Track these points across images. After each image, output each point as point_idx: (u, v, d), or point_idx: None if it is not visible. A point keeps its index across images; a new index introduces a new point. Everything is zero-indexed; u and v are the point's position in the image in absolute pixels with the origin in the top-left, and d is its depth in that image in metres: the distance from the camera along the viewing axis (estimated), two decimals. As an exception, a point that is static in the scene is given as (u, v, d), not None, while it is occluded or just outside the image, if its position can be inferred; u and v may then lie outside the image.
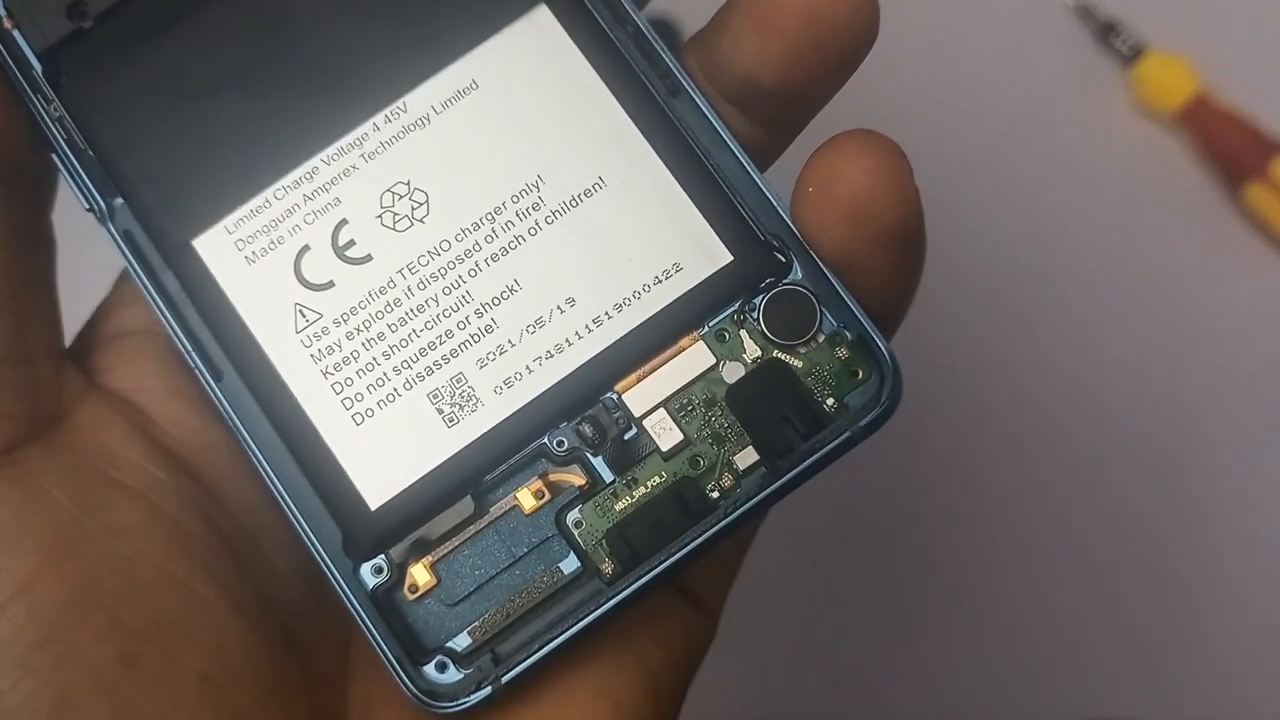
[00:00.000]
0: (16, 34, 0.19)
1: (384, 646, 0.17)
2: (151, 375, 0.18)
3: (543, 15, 0.19)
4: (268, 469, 0.18)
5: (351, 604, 0.17)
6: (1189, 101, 0.37)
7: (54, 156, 0.18)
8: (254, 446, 0.18)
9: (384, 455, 0.18)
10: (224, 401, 0.18)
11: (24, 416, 0.17)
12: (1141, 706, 0.32)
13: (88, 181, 0.18)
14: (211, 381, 0.18)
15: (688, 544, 0.17)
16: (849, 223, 0.17)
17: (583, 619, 0.17)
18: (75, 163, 0.18)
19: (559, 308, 0.18)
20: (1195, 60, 0.37)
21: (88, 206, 0.18)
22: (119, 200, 0.18)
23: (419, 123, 0.18)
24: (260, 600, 0.18)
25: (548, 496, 0.18)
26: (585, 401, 0.18)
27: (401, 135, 0.18)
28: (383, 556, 0.18)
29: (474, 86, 0.18)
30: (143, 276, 0.18)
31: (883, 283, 0.18)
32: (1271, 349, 0.35)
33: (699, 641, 0.20)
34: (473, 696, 0.17)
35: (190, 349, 0.18)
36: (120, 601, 0.16)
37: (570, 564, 0.18)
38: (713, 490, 0.18)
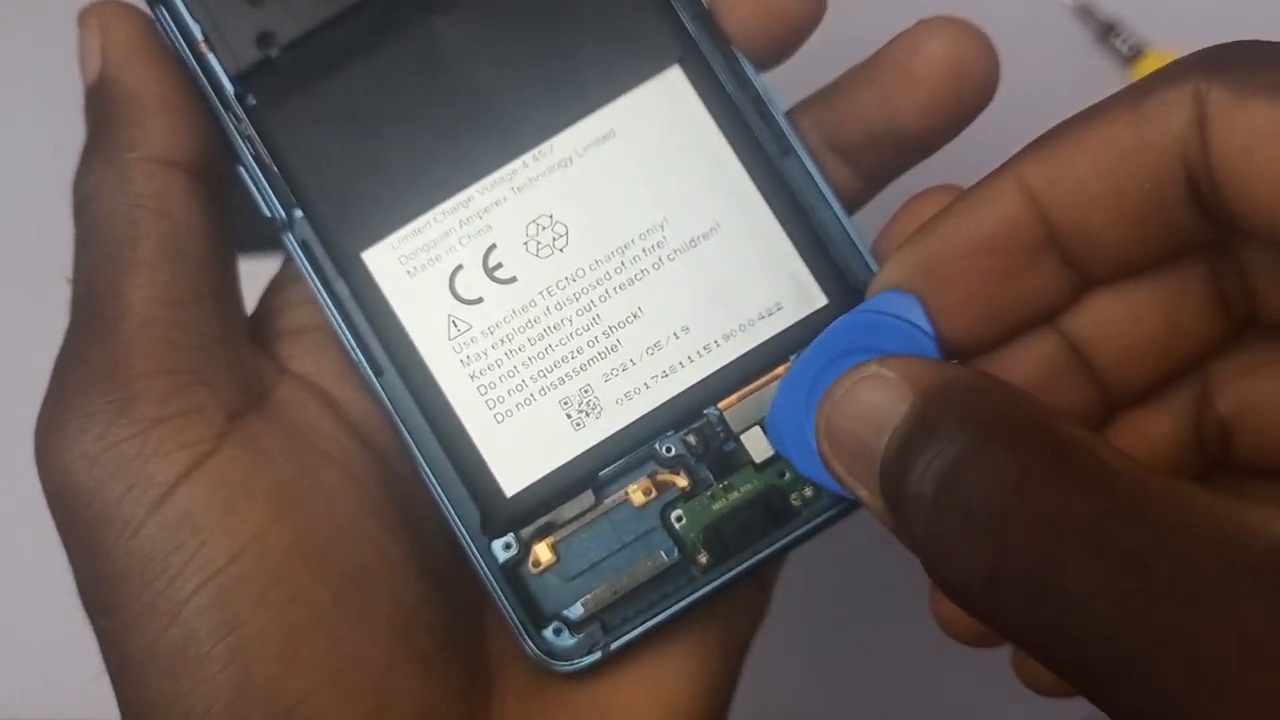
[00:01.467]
0: (212, 57, 0.21)
1: (511, 611, 0.21)
2: (327, 364, 0.21)
3: (676, 75, 0.21)
4: (418, 455, 0.21)
5: (485, 574, 0.21)
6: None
7: (240, 169, 0.21)
8: (408, 435, 0.21)
9: (519, 450, 0.21)
10: (384, 395, 0.21)
11: (239, 390, 0.20)
12: None
13: (270, 193, 0.21)
14: (373, 377, 0.21)
15: (772, 544, 0.21)
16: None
17: (680, 601, 0.21)
18: (261, 176, 0.21)
19: (675, 334, 0.21)
20: None
21: (268, 215, 0.21)
22: (298, 212, 0.21)
23: (563, 163, 0.21)
24: (426, 559, 0.21)
25: (655, 494, 0.21)
26: (692, 415, 0.21)
27: (547, 173, 0.21)
28: (512, 535, 0.21)
29: (612, 134, 0.21)
30: (316, 282, 0.21)
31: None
32: None
33: (760, 609, 0.23)
34: (585, 659, 0.21)
35: (355, 347, 0.21)
36: (330, 552, 0.19)
37: (671, 553, 0.21)
38: (796, 500, 0.21)
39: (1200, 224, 0.16)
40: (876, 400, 0.16)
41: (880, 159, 0.21)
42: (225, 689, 0.17)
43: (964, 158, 0.34)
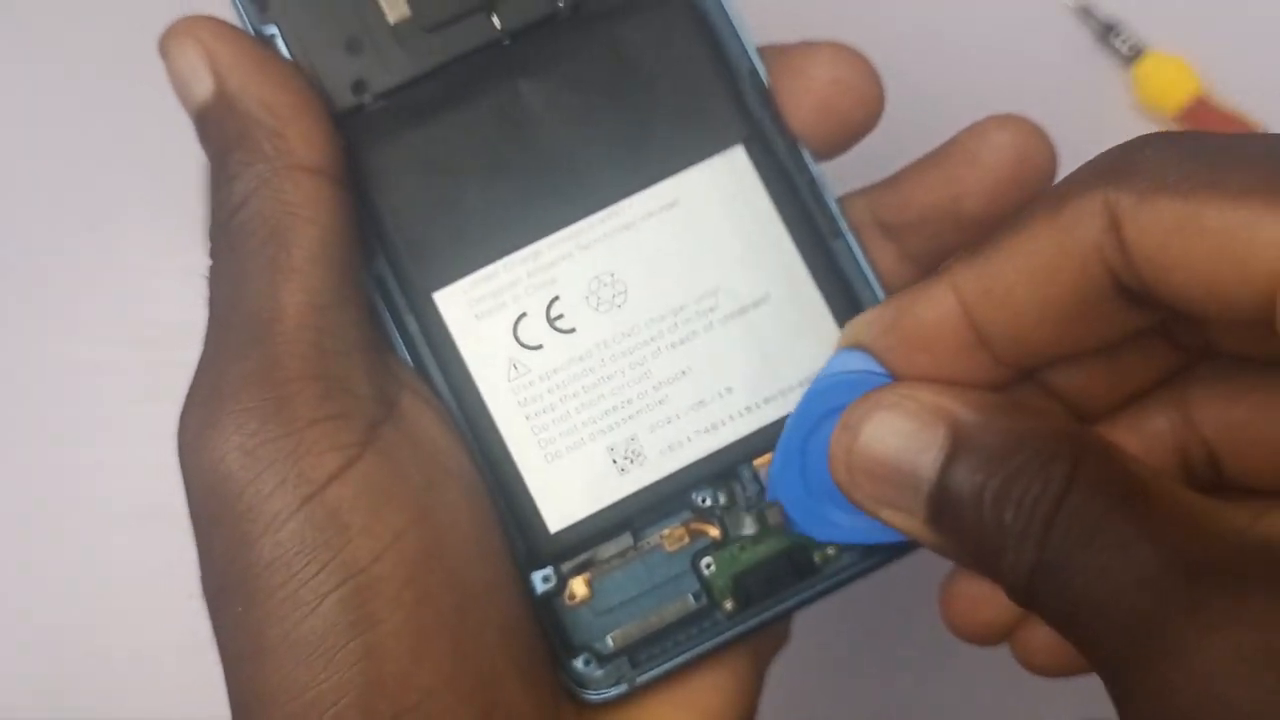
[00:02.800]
0: None
1: (544, 639, 0.22)
2: None
3: (738, 154, 0.23)
4: None
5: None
6: (1189, 102, 0.37)
7: None
8: None
9: (566, 490, 0.22)
10: None
11: (377, 399, 0.20)
12: None
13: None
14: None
15: (794, 597, 0.22)
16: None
17: (704, 643, 0.22)
18: None
19: (719, 393, 0.23)
20: (1195, 61, 0.38)
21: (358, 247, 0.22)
22: (378, 250, 0.23)
23: (628, 226, 0.23)
24: (519, 579, 0.22)
25: (688, 541, 0.23)
26: (729, 471, 0.22)
27: (613, 234, 0.23)
28: (552, 568, 0.22)
29: (676, 203, 0.23)
30: (388, 316, 0.22)
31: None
32: None
33: (784, 636, 0.25)
34: (612, 690, 0.22)
35: (420, 379, 0.22)
36: (455, 561, 0.20)
37: (699, 597, 0.22)
38: (819, 557, 0.23)
39: (1132, 312, 0.19)
40: (908, 425, 0.19)
41: (932, 238, 0.23)
42: (357, 681, 0.18)
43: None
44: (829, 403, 0.21)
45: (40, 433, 0.39)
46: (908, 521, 0.19)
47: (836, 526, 0.22)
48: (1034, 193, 0.22)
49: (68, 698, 0.37)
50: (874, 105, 0.22)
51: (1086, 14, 0.38)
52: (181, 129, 0.40)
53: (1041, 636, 0.21)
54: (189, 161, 0.40)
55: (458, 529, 0.20)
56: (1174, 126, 0.38)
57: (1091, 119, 0.38)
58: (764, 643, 0.23)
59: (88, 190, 0.41)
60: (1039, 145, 0.22)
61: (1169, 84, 0.38)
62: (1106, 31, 0.38)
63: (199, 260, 0.40)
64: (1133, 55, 0.38)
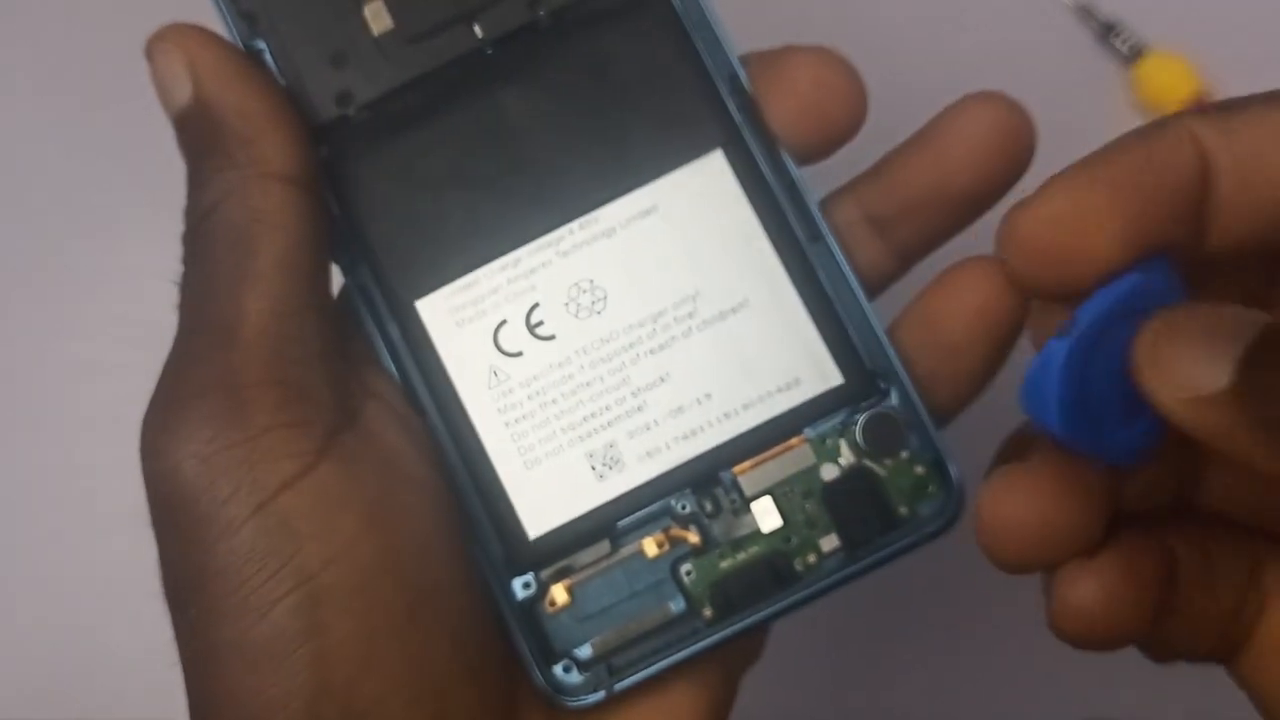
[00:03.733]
0: None
1: (525, 645, 0.22)
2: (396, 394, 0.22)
3: (717, 159, 0.23)
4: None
5: (504, 607, 0.22)
6: (1189, 102, 0.37)
7: None
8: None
9: (545, 496, 0.22)
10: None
11: (338, 407, 0.20)
12: (1141, 706, 0.34)
13: (334, 239, 0.23)
14: (412, 416, 0.22)
15: (774, 605, 0.22)
16: (939, 355, 0.22)
17: (683, 650, 0.22)
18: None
19: (698, 399, 0.22)
20: (1195, 61, 0.37)
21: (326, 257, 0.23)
22: (359, 258, 0.23)
23: (606, 233, 0.23)
24: (474, 582, 0.22)
25: (667, 547, 0.22)
26: (708, 477, 0.22)
27: (592, 241, 0.23)
28: (532, 575, 0.22)
29: (654, 209, 0.23)
30: (370, 324, 0.23)
31: (960, 397, 0.23)
32: None
33: (758, 649, 0.24)
34: (590, 696, 0.22)
35: (401, 387, 0.23)
36: (407, 566, 0.20)
37: (678, 604, 0.22)
38: (799, 565, 0.22)
39: None
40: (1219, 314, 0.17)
41: (922, 226, 0.23)
42: (306, 687, 0.19)
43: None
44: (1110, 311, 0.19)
45: (40, 433, 0.39)
46: (1209, 396, 0.17)
47: (1104, 438, 0.19)
48: (1019, 166, 0.22)
49: (65, 698, 0.37)
50: (857, 108, 0.22)
51: (1086, 14, 0.38)
52: None
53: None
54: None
55: (412, 538, 0.20)
56: None
57: (1091, 119, 0.37)
58: (736, 656, 0.23)
59: (88, 191, 0.41)
60: (1020, 118, 0.22)
61: (1169, 84, 0.38)
62: (1107, 31, 0.38)
63: None
64: (1133, 55, 0.38)
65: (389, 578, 0.20)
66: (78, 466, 0.39)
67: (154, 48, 0.22)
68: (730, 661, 0.23)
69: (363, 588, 0.19)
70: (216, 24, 0.23)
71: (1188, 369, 0.17)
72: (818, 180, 0.23)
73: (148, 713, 0.37)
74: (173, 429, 0.19)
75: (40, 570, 0.38)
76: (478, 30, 0.23)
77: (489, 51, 0.23)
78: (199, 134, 0.21)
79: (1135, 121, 0.37)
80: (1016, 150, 0.22)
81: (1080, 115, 0.36)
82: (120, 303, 0.40)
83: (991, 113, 0.22)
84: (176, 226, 0.40)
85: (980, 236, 0.23)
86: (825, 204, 0.23)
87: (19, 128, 0.42)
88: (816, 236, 0.23)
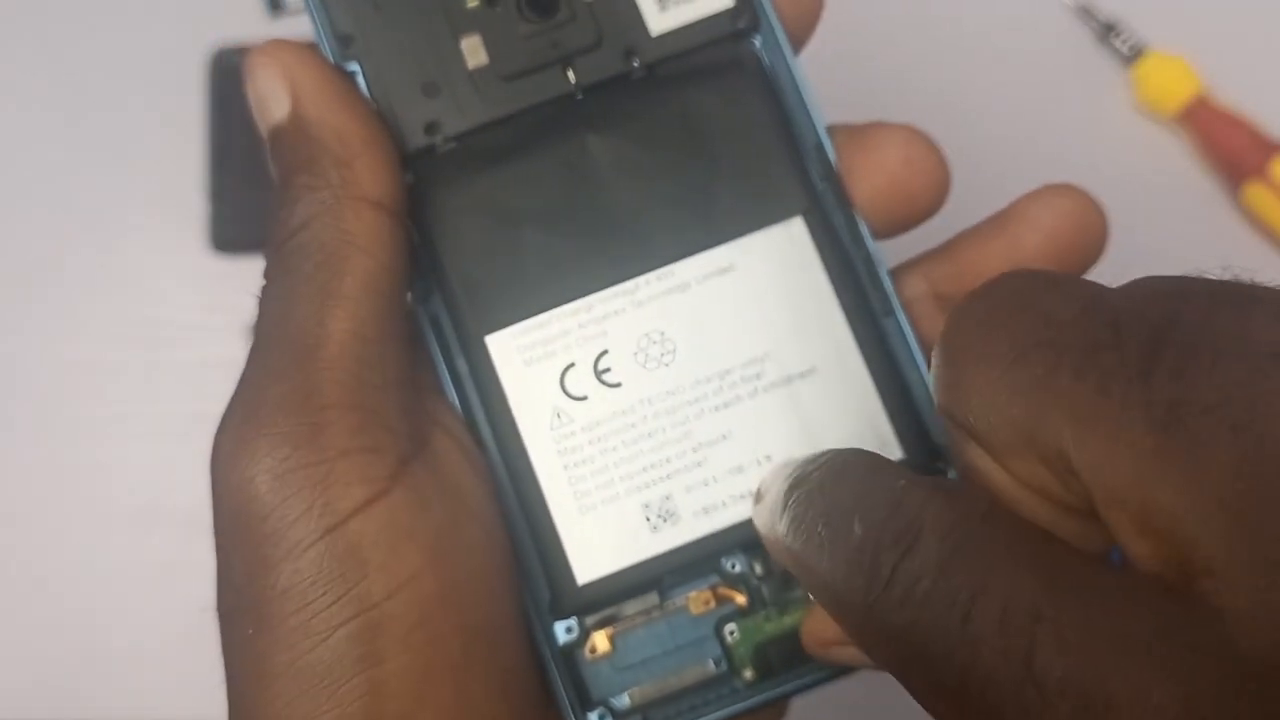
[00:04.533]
0: None
1: (562, 690, 0.22)
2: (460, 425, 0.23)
3: (797, 225, 0.23)
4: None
5: (546, 650, 0.22)
6: (1189, 102, 0.38)
7: None
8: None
9: (597, 543, 0.22)
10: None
11: (409, 436, 0.21)
12: None
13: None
14: (475, 450, 0.22)
15: (815, 674, 0.22)
16: None
17: (719, 710, 0.22)
18: None
19: (758, 460, 0.23)
20: (1195, 61, 0.38)
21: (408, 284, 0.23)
22: (434, 288, 0.23)
23: (681, 287, 0.23)
24: (523, 626, 0.22)
25: (713, 605, 0.22)
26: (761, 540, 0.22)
27: (666, 294, 0.23)
28: (575, 620, 0.22)
29: (731, 268, 0.23)
30: (439, 355, 0.23)
31: None
32: None
33: (781, 712, 0.24)
34: None
35: (465, 420, 0.23)
36: (467, 604, 0.20)
37: (719, 663, 0.22)
38: (844, 634, 0.22)
39: None
40: None
41: None
42: (357, 716, 0.18)
43: (965, 157, 0.33)
44: None
45: (40, 432, 0.39)
46: None
47: None
48: (1090, 259, 0.22)
49: (66, 697, 0.37)
50: (942, 189, 0.23)
51: (1086, 14, 0.38)
52: (182, 132, 0.42)
53: None
54: (190, 165, 0.42)
55: (473, 573, 0.20)
56: (1174, 126, 0.38)
57: (1091, 119, 0.38)
58: (763, 714, 0.23)
59: (88, 192, 0.41)
60: (1094, 212, 0.22)
61: (1169, 84, 0.38)
62: (1107, 31, 0.38)
63: (199, 262, 0.41)
64: (1133, 55, 0.38)
65: (448, 613, 0.20)
66: (78, 466, 0.39)
67: (255, 62, 0.22)
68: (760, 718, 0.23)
69: (422, 622, 0.19)
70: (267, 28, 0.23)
71: None
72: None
73: (149, 712, 0.37)
74: (249, 443, 0.19)
75: (41, 570, 0.38)
76: (571, 75, 0.23)
77: (580, 97, 0.23)
78: (293, 150, 0.21)
79: (1135, 121, 0.39)
80: (1088, 242, 0.22)
81: (1080, 115, 0.37)
82: (120, 303, 0.40)
83: (1067, 204, 0.22)
84: (177, 227, 0.41)
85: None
86: (893, 276, 0.23)
87: (19, 128, 0.42)
88: (888, 311, 0.23)
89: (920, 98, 0.34)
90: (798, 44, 0.24)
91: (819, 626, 0.21)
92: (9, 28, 0.43)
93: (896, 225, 0.23)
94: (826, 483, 0.17)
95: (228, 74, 0.42)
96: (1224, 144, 0.38)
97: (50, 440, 0.39)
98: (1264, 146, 0.38)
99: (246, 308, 0.42)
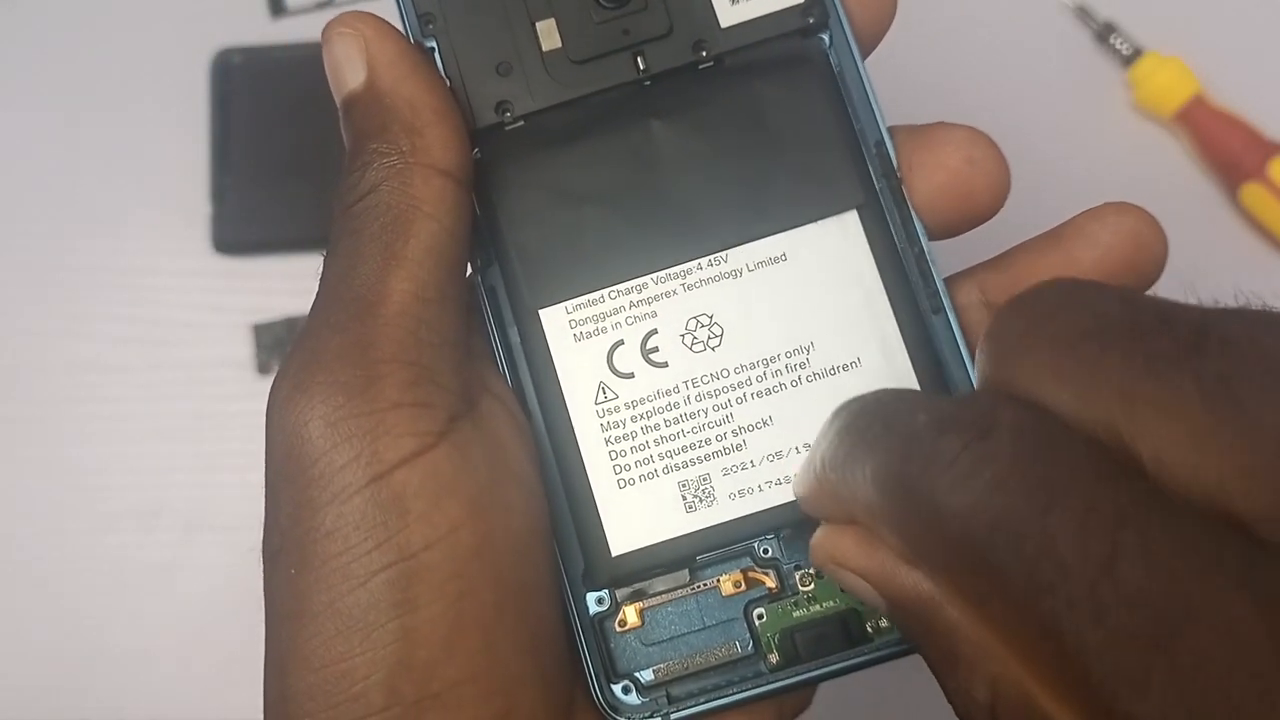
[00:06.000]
0: None
1: (589, 660, 0.22)
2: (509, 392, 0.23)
3: (851, 219, 0.23)
4: None
5: (575, 619, 0.23)
6: (1187, 102, 0.38)
7: None
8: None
9: (632, 517, 0.23)
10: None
11: (459, 394, 0.21)
12: None
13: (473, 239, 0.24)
14: (523, 419, 0.23)
15: (841, 662, 0.22)
16: None
17: (743, 692, 0.22)
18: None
19: (797, 448, 0.23)
20: (1193, 61, 0.38)
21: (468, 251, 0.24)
22: (492, 262, 0.24)
23: (733, 273, 0.23)
24: (557, 590, 0.22)
25: (743, 587, 0.23)
26: (795, 525, 0.23)
27: (717, 279, 0.23)
28: (607, 591, 0.23)
29: (783, 258, 0.23)
30: (493, 325, 0.24)
31: None
32: None
33: (808, 700, 0.24)
34: None
35: (513, 390, 0.23)
36: (502, 561, 0.20)
37: (745, 645, 0.23)
38: (871, 626, 0.22)
39: None
40: None
41: None
42: (390, 659, 0.19)
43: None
44: None
45: (41, 432, 0.40)
46: None
47: None
48: (1147, 279, 0.22)
49: (67, 697, 0.38)
50: (1002, 191, 0.23)
51: (1085, 14, 0.39)
52: (185, 133, 0.42)
53: None
54: (192, 165, 0.42)
55: (510, 533, 0.21)
56: (1172, 126, 0.38)
57: (1090, 119, 0.38)
58: (789, 701, 0.23)
59: (90, 192, 0.42)
60: (1154, 232, 0.22)
61: (1167, 84, 0.38)
62: (1105, 32, 0.39)
63: (201, 262, 0.41)
64: (1131, 55, 0.39)
65: (484, 568, 0.20)
66: (78, 466, 0.40)
67: (333, 31, 0.23)
68: (784, 705, 0.23)
69: (457, 574, 0.20)
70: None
71: None
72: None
73: (149, 712, 0.38)
74: (305, 388, 0.20)
75: (40, 570, 0.39)
76: (640, 62, 0.24)
77: (648, 83, 0.24)
78: (366, 117, 0.22)
79: (1133, 121, 0.38)
80: (1146, 263, 0.22)
81: (1079, 115, 0.37)
82: (121, 303, 0.41)
83: (1127, 223, 0.22)
84: (178, 227, 0.42)
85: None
86: (946, 282, 0.23)
87: (21, 128, 0.43)
88: (938, 309, 0.23)
89: (920, 97, 0.34)
90: (868, 46, 0.24)
91: (833, 539, 0.18)
92: (11, 28, 0.44)
93: (953, 225, 0.23)
94: (884, 395, 0.17)
95: (230, 74, 0.43)
96: (1222, 144, 0.38)
97: (50, 440, 0.40)
98: (1262, 147, 0.38)
99: (248, 308, 0.42)
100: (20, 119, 0.43)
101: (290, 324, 0.41)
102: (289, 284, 0.41)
